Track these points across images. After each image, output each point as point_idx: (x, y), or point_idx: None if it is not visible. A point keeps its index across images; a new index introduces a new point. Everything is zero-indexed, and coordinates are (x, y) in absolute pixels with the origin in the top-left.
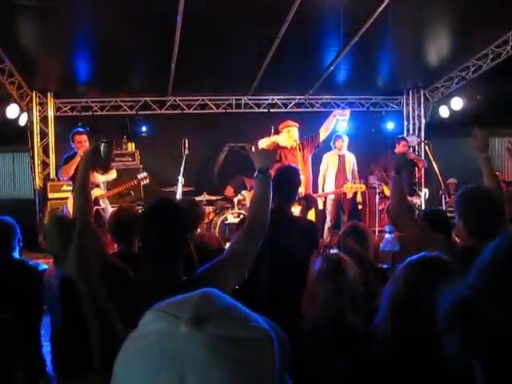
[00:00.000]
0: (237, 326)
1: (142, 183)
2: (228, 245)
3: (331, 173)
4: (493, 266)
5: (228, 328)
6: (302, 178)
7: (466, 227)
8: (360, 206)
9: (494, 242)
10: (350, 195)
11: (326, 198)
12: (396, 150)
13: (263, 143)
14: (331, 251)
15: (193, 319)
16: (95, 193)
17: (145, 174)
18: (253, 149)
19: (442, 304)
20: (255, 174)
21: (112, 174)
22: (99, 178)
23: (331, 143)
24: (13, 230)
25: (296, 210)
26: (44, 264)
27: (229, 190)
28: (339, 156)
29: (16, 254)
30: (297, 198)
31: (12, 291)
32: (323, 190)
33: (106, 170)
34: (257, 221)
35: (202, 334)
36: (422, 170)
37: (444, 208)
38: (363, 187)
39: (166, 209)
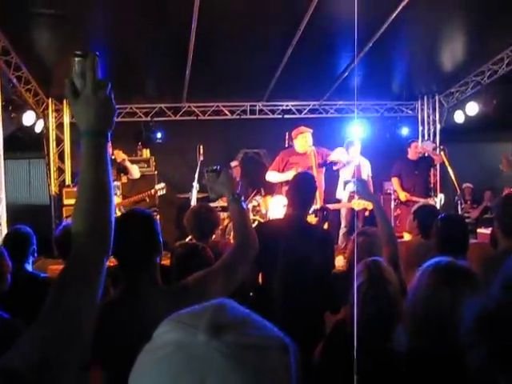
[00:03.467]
0: (254, 335)
1: (158, 194)
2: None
3: (345, 173)
4: None
5: (245, 336)
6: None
7: (500, 228)
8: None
9: None
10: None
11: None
12: (409, 155)
13: (273, 177)
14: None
15: (210, 328)
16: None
17: (162, 184)
18: (222, 174)
19: (465, 316)
20: (228, 199)
21: (135, 171)
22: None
23: (344, 147)
24: (29, 240)
25: (312, 221)
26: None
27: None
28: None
29: (29, 266)
30: (313, 210)
31: (21, 305)
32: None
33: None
34: (244, 243)
35: (220, 343)
36: (438, 175)
37: (460, 213)
38: (371, 206)
39: (135, 218)
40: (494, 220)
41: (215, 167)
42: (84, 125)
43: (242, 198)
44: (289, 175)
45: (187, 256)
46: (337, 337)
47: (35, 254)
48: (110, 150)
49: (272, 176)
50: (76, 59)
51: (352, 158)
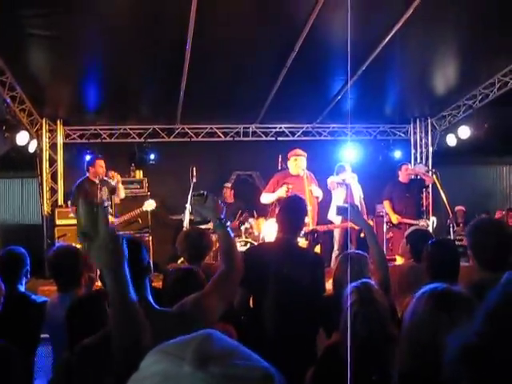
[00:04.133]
0: (240, 366)
1: (148, 209)
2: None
3: (338, 201)
4: (500, 310)
5: (231, 367)
6: (309, 208)
7: (476, 258)
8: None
9: (501, 283)
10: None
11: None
12: (400, 178)
13: (267, 198)
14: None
15: (196, 359)
16: None
17: (151, 201)
18: (207, 199)
19: (447, 351)
20: (214, 224)
21: (122, 192)
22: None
23: (335, 174)
24: (23, 261)
25: (303, 244)
26: (43, 297)
27: None
28: (346, 185)
29: (21, 287)
30: (303, 233)
31: (10, 325)
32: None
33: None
34: (230, 267)
35: (206, 374)
36: (430, 198)
37: (452, 237)
38: (370, 223)
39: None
40: (469, 249)
41: (202, 192)
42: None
43: (228, 224)
44: (280, 192)
45: (182, 280)
46: (328, 361)
47: (28, 275)
48: (101, 169)
49: (265, 197)
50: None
51: (345, 178)
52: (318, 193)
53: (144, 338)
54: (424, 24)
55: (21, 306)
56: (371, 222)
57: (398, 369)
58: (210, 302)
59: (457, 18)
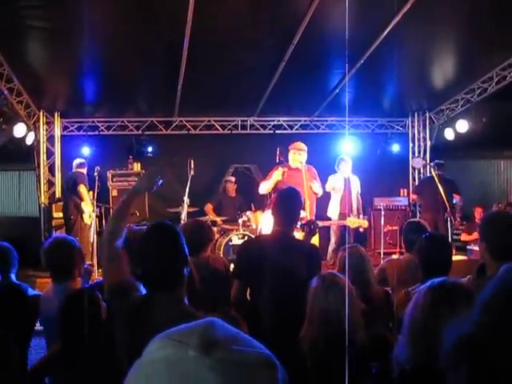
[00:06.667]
0: (243, 352)
1: None
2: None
3: (336, 196)
4: (496, 300)
5: (235, 353)
6: (307, 203)
7: (488, 249)
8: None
9: (498, 274)
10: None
11: (330, 219)
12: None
13: (265, 186)
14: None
15: (200, 345)
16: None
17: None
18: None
19: (445, 340)
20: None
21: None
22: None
23: (335, 166)
24: (9, 251)
25: (299, 235)
26: (36, 291)
27: (208, 207)
28: (344, 179)
29: (13, 276)
30: (300, 224)
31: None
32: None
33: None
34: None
35: (210, 359)
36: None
37: (450, 231)
38: (366, 223)
39: (167, 233)
40: (482, 242)
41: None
42: None
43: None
44: (276, 175)
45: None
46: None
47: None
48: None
49: (263, 186)
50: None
51: (344, 172)
52: (319, 190)
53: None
54: (422, 18)
55: (14, 297)
56: (366, 224)
57: (399, 361)
58: None
59: (455, 11)
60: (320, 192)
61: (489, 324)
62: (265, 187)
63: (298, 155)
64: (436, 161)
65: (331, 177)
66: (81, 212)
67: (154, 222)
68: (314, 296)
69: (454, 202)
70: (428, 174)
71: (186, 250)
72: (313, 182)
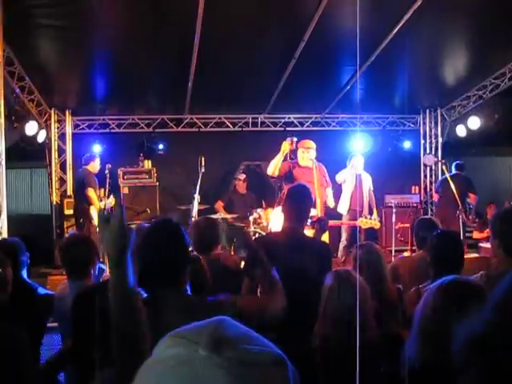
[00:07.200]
0: (254, 351)
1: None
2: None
3: (347, 190)
4: (509, 300)
5: (246, 352)
6: (318, 201)
7: (500, 246)
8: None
9: (510, 273)
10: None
11: (341, 216)
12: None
13: (272, 164)
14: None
15: (211, 343)
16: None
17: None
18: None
19: (456, 339)
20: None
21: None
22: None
23: (347, 162)
24: (19, 248)
25: (310, 233)
26: (48, 290)
27: (219, 204)
28: (356, 175)
29: (24, 274)
30: (310, 222)
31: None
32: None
33: None
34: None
35: (221, 358)
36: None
37: (462, 228)
38: (378, 224)
39: (169, 229)
40: (494, 238)
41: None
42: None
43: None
44: (284, 148)
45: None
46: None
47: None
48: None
49: (270, 166)
50: None
51: (355, 169)
52: (331, 203)
53: (142, 326)
54: (434, 14)
55: (25, 294)
56: (378, 224)
57: (409, 359)
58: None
59: (467, 7)
60: (332, 205)
61: (500, 323)
62: (273, 163)
63: (306, 153)
64: (457, 161)
65: (343, 170)
66: (89, 218)
67: (156, 219)
68: (329, 293)
69: (469, 203)
70: (440, 172)
71: (189, 247)
72: (327, 193)
